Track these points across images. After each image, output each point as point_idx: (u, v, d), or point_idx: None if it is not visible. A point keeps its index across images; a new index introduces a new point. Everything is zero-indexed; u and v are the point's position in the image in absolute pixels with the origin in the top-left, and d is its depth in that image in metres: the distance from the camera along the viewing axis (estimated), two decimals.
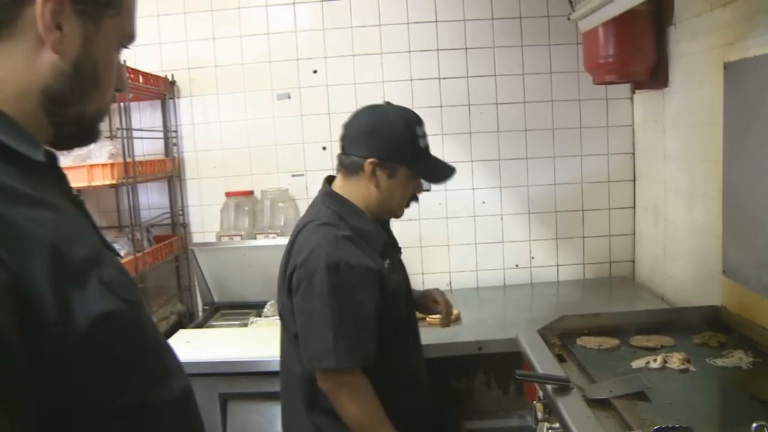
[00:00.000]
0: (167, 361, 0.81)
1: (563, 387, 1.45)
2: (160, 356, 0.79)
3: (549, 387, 1.47)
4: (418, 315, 1.85)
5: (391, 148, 1.57)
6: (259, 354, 2.09)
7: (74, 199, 0.79)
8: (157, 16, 2.77)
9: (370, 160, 1.57)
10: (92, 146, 2.20)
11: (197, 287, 2.83)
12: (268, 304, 2.55)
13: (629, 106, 2.76)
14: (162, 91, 2.72)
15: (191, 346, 2.23)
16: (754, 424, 1.13)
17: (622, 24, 2.16)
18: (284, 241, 1.71)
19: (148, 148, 2.76)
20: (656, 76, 2.35)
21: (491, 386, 2.30)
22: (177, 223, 2.88)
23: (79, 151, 2.19)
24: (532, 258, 2.84)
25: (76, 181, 2.16)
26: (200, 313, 2.83)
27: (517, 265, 2.85)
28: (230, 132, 2.84)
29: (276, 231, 2.71)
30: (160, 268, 2.67)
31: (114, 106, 2.38)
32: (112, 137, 2.58)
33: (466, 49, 2.74)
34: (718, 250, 1.91)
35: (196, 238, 2.89)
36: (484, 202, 2.82)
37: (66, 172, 0.81)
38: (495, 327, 2.26)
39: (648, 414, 1.32)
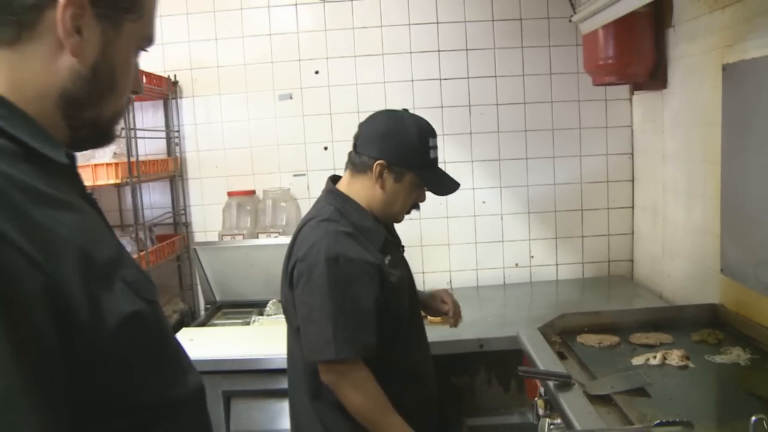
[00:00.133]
0: (182, 358, 0.82)
1: (565, 383, 1.47)
2: (177, 354, 0.81)
3: (551, 383, 1.49)
4: (424, 315, 1.87)
5: (402, 153, 1.60)
6: (261, 352, 2.11)
7: (89, 199, 0.80)
8: (159, 16, 2.72)
9: (379, 161, 1.59)
10: None
11: (199, 286, 2.85)
12: (270, 302, 2.57)
13: (628, 107, 2.78)
14: (165, 91, 2.74)
15: (194, 344, 2.24)
16: (753, 417, 1.15)
17: (621, 26, 2.19)
18: (286, 240, 1.74)
19: (150, 148, 2.77)
20: (655, 78, 2.37)
21: (492, 383, 2.32)
22: (179, 222, 2.89)
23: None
24: (532, 257, 2.87)
25: None
26: (202, 312, 2.85)
27: (516, 264, 2.87)
28: (232, 132, 2.85)
29: (278, 230, 2.72)
30: (162, 267, 2.68)
31: None
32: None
33: (466, 50, 2.76)
34: (716, 249, 1.93)
35: (198, 237, 2.91)
36: (484, 202, 2.84)
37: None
38: (495, 325, 2.28)
39: (648, 409, 1.34)
